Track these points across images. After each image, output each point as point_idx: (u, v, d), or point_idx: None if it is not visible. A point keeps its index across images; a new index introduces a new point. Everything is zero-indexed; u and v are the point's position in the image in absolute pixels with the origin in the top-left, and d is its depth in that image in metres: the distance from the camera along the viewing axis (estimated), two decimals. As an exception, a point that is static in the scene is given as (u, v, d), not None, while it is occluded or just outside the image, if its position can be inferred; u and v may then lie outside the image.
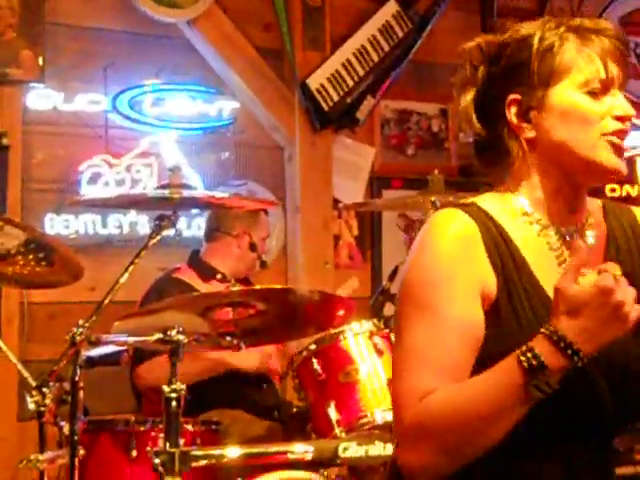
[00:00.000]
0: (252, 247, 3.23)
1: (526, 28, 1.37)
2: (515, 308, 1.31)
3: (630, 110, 1.35)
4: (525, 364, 1.20)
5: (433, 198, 2.61)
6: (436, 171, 2.70)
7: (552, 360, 1.19)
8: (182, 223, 3.83)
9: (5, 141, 3.43)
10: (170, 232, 2.43)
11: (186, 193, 2.35)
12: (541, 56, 1.34)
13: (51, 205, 3.67)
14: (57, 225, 3.66)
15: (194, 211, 3.81)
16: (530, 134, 1.36)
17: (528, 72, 1.34)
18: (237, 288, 2.54)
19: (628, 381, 1.33)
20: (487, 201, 1.39)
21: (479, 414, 1.23)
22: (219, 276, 3.20)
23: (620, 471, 3.88)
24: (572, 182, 1.37)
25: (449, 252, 1.31)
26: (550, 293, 1.27)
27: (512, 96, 1.36)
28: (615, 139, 1.34)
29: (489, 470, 1.30)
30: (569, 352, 1.19)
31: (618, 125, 1.34)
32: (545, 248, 1.37)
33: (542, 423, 1.27)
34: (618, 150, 1.34)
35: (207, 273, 3.20)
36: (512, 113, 1.36)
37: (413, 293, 1.32)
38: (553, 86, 1.34)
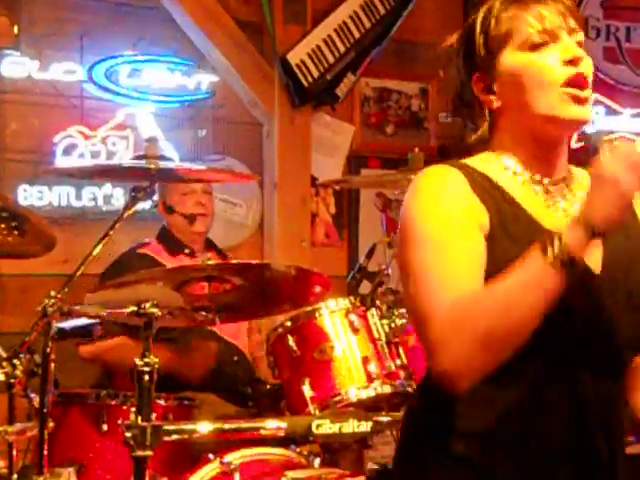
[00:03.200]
0: (168, 210, 3.19)
1: (474, 13, 1.46)
2: (512, 237, 1.35)
3: (578, 51, 1.39)
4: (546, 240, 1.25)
5: (412, 176, 2.58)
6: (416, 149, 2.67)
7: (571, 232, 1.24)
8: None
9: (-22, 109, 3.36)
10: (146, 204, 2.39)
11: (163, 165, 2.31)
12: (484, 33, 1.44)
13: (25, 176, 3.61)
14: (31, 196, 3.61)
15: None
16: (497, 104, 1.44)
17: (478, 50, 1.44)
18: (212, 262, 2.51)
19: (631, 303, 1.36)
20: (472, 160, 1.46)
21: (508, 292, 1.25)
22: (187, 251, 3.16)
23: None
24: (543, 140, 1.42)
25: (442, 191, 1.38)
26: (543, 224, 1.36)
27: (475, 75, 1.46)
28: (573, 90, 1.37)
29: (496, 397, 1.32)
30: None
31: (571, 70, 1.38)
32: (532, 193, 1.43)
33: (548, 339, 1.28)
34: (578, 99, 1.38)
35: (175, 247, 3.17)
36: (479, 90, 1.46)
37: (415, 231, 1.36)
38: (500, 54, 1.42)
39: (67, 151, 3.64)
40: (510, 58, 1.41)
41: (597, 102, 4.58)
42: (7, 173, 3.57)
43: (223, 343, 3.12)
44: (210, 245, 3.32)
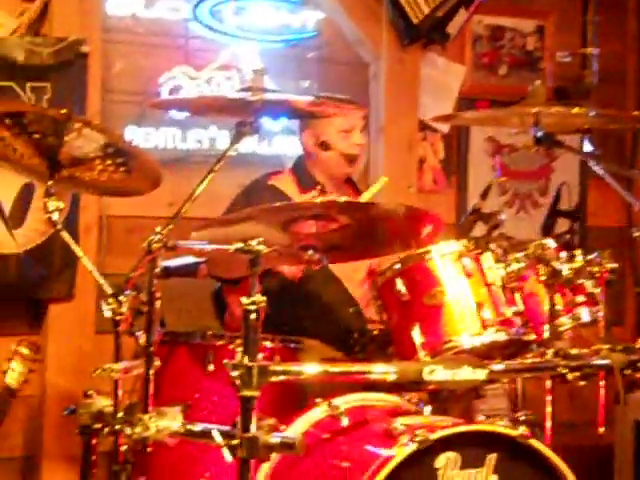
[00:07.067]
0: (322, 145, 3.04)
1: None
2: None
3: None
4: None
5: (535, 110, 2.41)
6: (538, 81, 2.49)
7: None
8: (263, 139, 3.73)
9: (85, 48, 3.32)
10: (252, 141, 2.31)
11: (269, 96, 2.21)
12: None
13: (132, 117, 3.59)
14: (137, 138, 3.59)
15: (275, 129, 3.70)
16: None
17: None
18: (320, 199, 2.43)
19: None
20: None
21: None
22: (319, 187, 3.04)
23: None
24: None
25: None
26: None
27: None
28: None
29: None
30: None
31: None
32: None
33: None
34: None
35: (307, 182, 3.03)
36: None
37: None
38: None
39: (173, 92, 3.61)
40: None
41: None
42: (114, 114, 3.55)
43: (341, 292, 3.03)
44: (349, 182, 3.20)
